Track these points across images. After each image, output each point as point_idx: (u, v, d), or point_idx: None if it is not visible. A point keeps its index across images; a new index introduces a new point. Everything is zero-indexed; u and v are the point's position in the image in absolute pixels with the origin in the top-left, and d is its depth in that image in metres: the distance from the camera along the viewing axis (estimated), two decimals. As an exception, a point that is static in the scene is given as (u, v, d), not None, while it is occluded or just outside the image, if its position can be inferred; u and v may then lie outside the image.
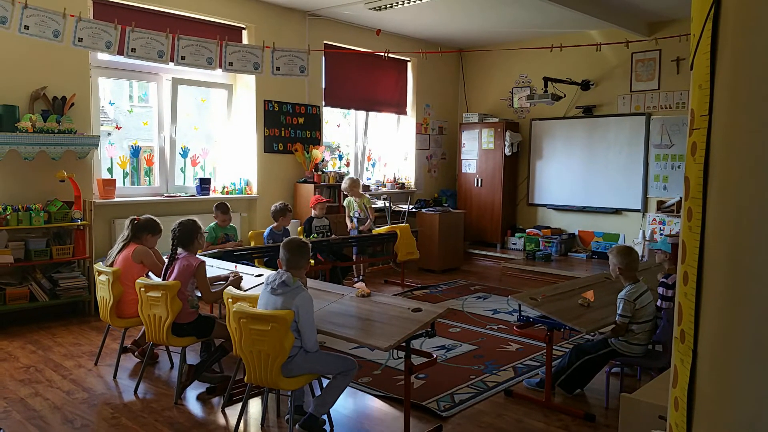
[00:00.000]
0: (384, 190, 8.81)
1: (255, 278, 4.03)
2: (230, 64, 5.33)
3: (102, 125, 6.16)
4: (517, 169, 9.12)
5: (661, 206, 7.76)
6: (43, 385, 3.84)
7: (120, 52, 4.87)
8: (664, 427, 1.27)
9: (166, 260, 3.83)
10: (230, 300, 3.25)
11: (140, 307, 3.72)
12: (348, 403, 3.65)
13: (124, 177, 6.38)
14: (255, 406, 3.61)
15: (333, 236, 6.36)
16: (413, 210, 8.23)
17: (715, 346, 1.01)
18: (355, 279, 7.00)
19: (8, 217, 4.99)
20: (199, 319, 3.77)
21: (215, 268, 4.46)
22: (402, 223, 7.32)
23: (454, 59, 9.72)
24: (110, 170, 6.22)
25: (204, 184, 6.73)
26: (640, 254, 7.35)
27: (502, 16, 7.56)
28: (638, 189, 7.93)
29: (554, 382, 3.72)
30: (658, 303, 3.80)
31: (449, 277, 7.53)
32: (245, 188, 7.12)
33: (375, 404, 3.67)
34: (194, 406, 3.61)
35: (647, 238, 7.64)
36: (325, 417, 3.24)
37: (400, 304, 3.40)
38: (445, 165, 9.75)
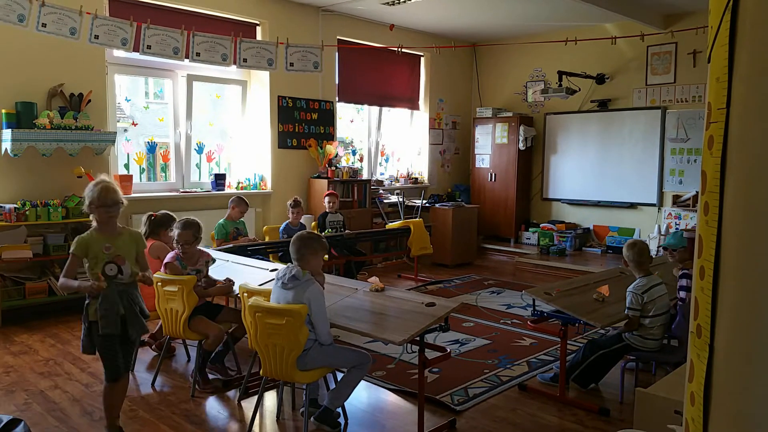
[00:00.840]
0: (397, 185, 8.81)
1: (269, 273, 4.06)
2: (244, 60, 5.35)
3: (118, 122, 6.22)
4: (531, 163, 9.08)
5: (676, 200, 7.69)
6: (62, 378, 3.91)
7: (136, 49, 4.91)
8: (680, 422, 1.27)
9: (174, 254, 3.90)
10: (245, 294, 3.28)
11: (157, 301, 3.76)
12: (362, 397, 3.68)
13: (141, 173, 6.44)
14: (270, 399, 3.65)
15: (347, 231, 6.38)
16: (426, 205, 8.22)
17: (732, 341, 1.01)
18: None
19: (27, 212, 5.06)
20: (208, 304, 3.83)
21: (230, 263, 4.50)
22: (415, 218, 7.32)
23: (468, 54, 9.68)
24: (127, 166, 6.28)
25: (219, 179, 6.77)
26: (655, 249, 7.30)
27: (515, 10, 7.51)
28: (653, 183, 7.87)
29: (568, 376, 3.71)
30: (682, 295, 3.76)
31: (463, 272, 7.52)
32: (260, 184, 7.16)
33: (389, 398, 3.69)
34: (211, 399, 3.64)
35: (663, 233, 7.57)
36: (339, 410, 3.26)
37: (414, 299, 3.41)
38: (459, 160, 9.72)
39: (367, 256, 6.90)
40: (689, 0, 6.94)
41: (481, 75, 9.71)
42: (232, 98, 7.26)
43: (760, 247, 0.95)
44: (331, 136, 7.77)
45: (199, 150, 6.85)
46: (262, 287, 3.49)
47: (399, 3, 6.76)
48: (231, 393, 3.72)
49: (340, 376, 3.28)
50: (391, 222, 7.07)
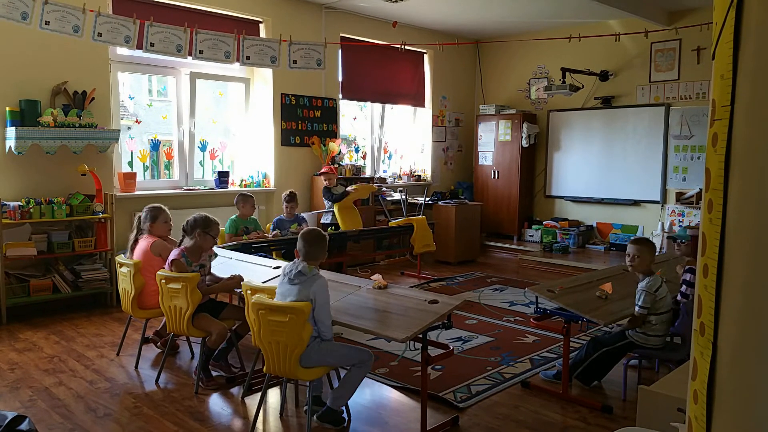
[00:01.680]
0: (400, 182, 8.81)
1: (273, 270, 4.07)
2: (248, 57, 5.35)
3: (122, 119, 6.23)
4: (534, 160, 9.06)
5: (680, 198, 7.68)
6: (66, 375, 3.92)
7: (139, 47, 4.91)
8: (683, 420, 1.27)
9: (178, 250, 3.91)
10: (249, 291, 3.29)
11: (161, 298, 3.77)
12: (365, 394, 3.68)
13: (144, 170, 6.45)
14: (274, 396, 3.65)
15: (340, 230, 6.31)
16: (430, 202, 8.22)
17: (735, 339, 1.00)
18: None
19: (31, 210, 5.08)
20: (212, 301, 3.84)
21: (233, 260, 4.50)
22: (418, 215, 7.32)
23: (471, 51, 9.66)
24: (130, 164, 6.29)
25: (222, 177, 6.78)
26: (659, 246, 7.30)
27: (518, 6, 7.50)
28: (657, 180, 7.85)
29: (571, 374, 3.71)
30: (685, 290, 3.75)
31: (466, 269, 7.52)
32: (263, 181, 7.16)
33: (392, 395, 3.69)
34: (214, 396, 3.65)
35: (666, 230, 7.56)
36: (343, 407, 3.27)
37: (417, 296, 3.41)
38: (462, 157, 9.72)
39: (354, 254, 6.86)
40: (693, -4, 6.92)
41: (485, 72, 9.70)
42: (236, 96, 7.26)
43: (764, 246, 0.95)
44: (334, 134, 7.77)
45: (203, 147, 6.86)
46: (265, 284, 3.50)
47: (402, 0, 6.74)
48: (234, 390, 3.73)
49: (343, 373, 3.29)
50: (394, 219, 7.06)
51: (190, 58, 5.19)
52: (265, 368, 3.10)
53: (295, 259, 3.18)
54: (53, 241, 5.27)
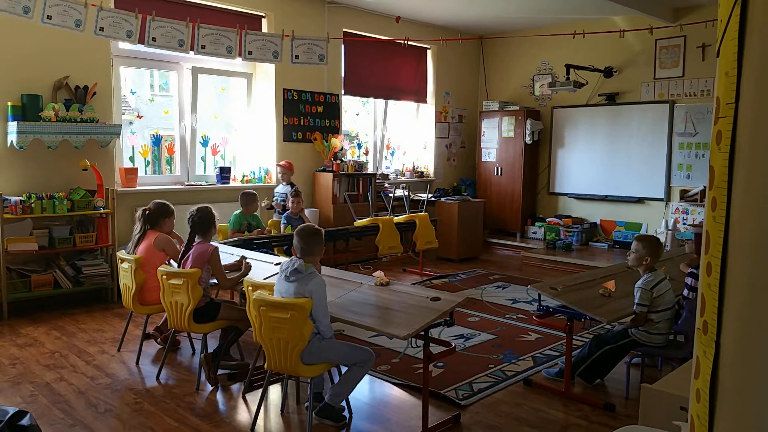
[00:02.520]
0: (403, 178, 8.80)
1: (274, 266, 4.06)
2: (250, 52, 5.34)
3: (123, 114, 6.22)
4: (537, 157, 9.04)
5: (684, 195, 7.65)
6: (67, 371, 3.92)
7: (141, 42, 4.90)
8: (686, 419, 1.26)
9: (183, 247, 3.90)
10: (250, 288, 3.28)
11: (162, 294, 3.77)
12: (367, 391, 3.68)
13: (146, 166, 6.45)
14: (275, 392, 3.65)
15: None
16: (432, 199, 8.20)
17: (738, 338, 0.99)
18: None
19: (32, 205, 5.08)
20: (209, 304, 3.81)
21: (233, 255, 4.50)
22: (421, 212, 7.31)
23: (475, 46, 9.63)
24: (132, 159, 6.29)
25: (224, 172, 6.78)
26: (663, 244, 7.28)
27: (523, 2, 7.47)
28: (661, 178, 7.82)
29: (574, 371, 3.70)
30: (685, 293, 3.75)
31: (468, 267, 7.51)
32: (265, 177, 7.16)
33: (394, 392, 3.69)
34: (215, 392, 3.65)
35: (670, 228, 7.54)
36: (344, 404, 3.26)
37: (419, 293, 3.40)
38: (465, 153, 9.69)
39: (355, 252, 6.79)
40: (698, -8, 6.88)
41: (488, 68, 9.67)
42: (238, 91, 7.25)
43: (767, 244, 0.94)
44: (336, 130, 7.75)
45: (204, 143, 6.86)
46: (266, 281, 3.49)
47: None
48: (235, 386, 3.73)
49: (345, 369, 3.28)
50: (397, 216, 7.05)
51: (192, 52, 5.18)
52: (266, 365, 3.10)
53: (293, 256, 3.17)
54: (54, 236, 5.27)
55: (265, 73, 7.12)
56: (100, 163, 5.57)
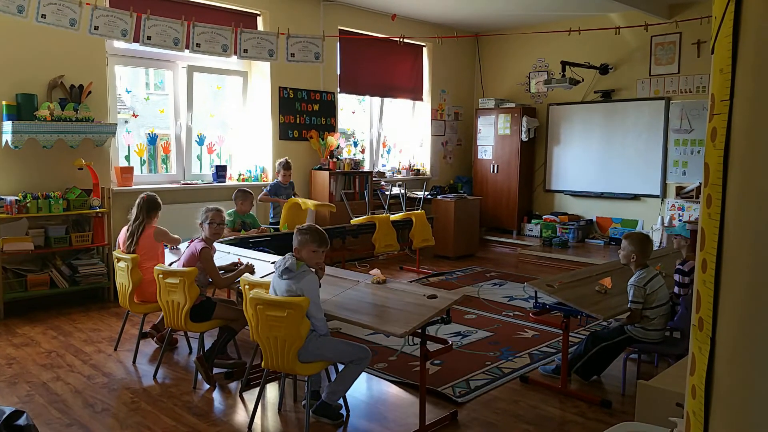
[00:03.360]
0: (399, 176, 8.79)
1: (271, 265, 4.05)
2: (245, 51, 5.33)
3: (119, 113, 6.20)
4: (533, 154, 9.05)
5: (680, 192, 7.67)
6: (64, 370, 3.92)
7: (136, 40, 4.89)
8: (682, 415, 1.26)
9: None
10: (247, 287, 3.28)
11: (159, 293, 3.76)
12: (364, 389, 3.68)
13: (142, 165, 6.44)
14: (272, 391, 3.65)
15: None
16: (429, 197, 8.20)
17: (734, 335, 1.00)
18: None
19: (28, 204, 5.06)
20: (203, 303, 3.81)
21: (231, 255, 4.49)
22: (417, 209, 7.31)
23: (470, 44, 9.63)
24: (128, 158, 6.27)
25: (220, 171, 6.76)
26: (658, 240, 7.30)
27: None
28: (657, 174, 7.84)
29: (570, 368, 3.71)
30: (675, 290, 3.76)
31: (465, 264, 7.52)
32: (261, 175, 7.15)
33: (391, 390, 3.69)
34: (212, 391, 3.65)
35: (666, 224, 7.56)
36: (341, 402, 3.27)
37: (416, 291, 3.41)
38: (461, 151, 9.70)
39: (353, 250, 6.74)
40: (693, -11, 6.88)
41: (484, 65, 9.67)
42: (233, 89, 7.24)
43: (763, 241, 0.94)
44: (332, 128, 7.74)
45: (200, 141, 6.84)
46: (263, 279, 3.49)
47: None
48: (233, 385, 3.73)
49: (341, 368, 3.28)
50: (393, 214, 7.05)
51: (187, 51, 5.16)
52: (263, 363, 3.10)
53: (287, 254, 3.16)
54: (50, 235, 5.25)
55: (261, 72, 7.11)
56: (96, 163, 5.55)
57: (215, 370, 3.84)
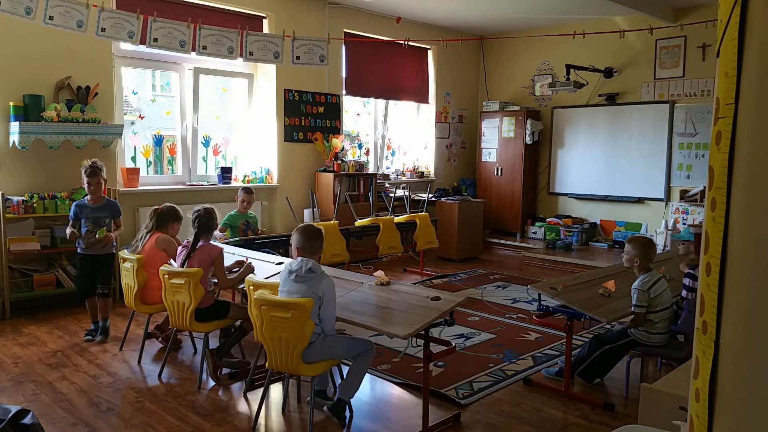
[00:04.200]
0: (403, 179, 8.80)
1: (275, 266, 4.07)
2: (251, 53, 5.34)
3: (125, 114, 6.23)
4: (538, 157, 9.05)
5: (684, 195, 7.65)
6: (69, 370, 3.93)
7: (142, 42, 4.90)
8: (685, 418, 1.27)
9: (182, 247, 3.90)
10: (252, 287, 3.29)
11: (164, 293, 3.78)
12: (367, 390, 3.69)
13: (148, 166, 6.46)
14: (276, 391, 3.66)
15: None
16: (433, 199, 8.21)
17: (737, 338, 1.00)
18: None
19: (34, 205, 5.09)
20: (216, 304, 3.83)
21: (236, 255, 4.51)
22: (421, 212, 7.32)
23: (475, 47, 9.64)
24: (134, 159, 6.30)
25: (226, 172, 6.79)
26: (662, 244, 7.28)
27: (523, 2, 7.47)
28: (661, 178, 7.82)
29: (574, 371, 3.71)
30: (683, 293, 3.76)
31: (468, 266, 7.52)
32: (266, 177, 7.16)
33: (394, 391, 3.70)
34: (217, 391, 3.66)
35: (670, 228, 7.54)
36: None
37: (419, 293, 3.41)
38: (465, 154, 9.70)
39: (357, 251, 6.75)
40: (699, -7, 6.88)
41: (489, 68, 9.67)
42: (239, 91, 7.26)
43: (767, 244, 0.95)
44: (337, 130, 7.76)
45: (206, 143, 6.86)
46: (268, 281, 3.50)
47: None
48: (237, 385, 3.74)
49: (345, 369, 3.29)
50: (397, 216, 7.05)
51: (193, 53, 5.18)
52: (267, 364, 3.11)
53: (299, 257, 3.17)
54: (56, 236, 5.27)
55: (267, 74, 7.13)
56: (102, 163, 5.56)
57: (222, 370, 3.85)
